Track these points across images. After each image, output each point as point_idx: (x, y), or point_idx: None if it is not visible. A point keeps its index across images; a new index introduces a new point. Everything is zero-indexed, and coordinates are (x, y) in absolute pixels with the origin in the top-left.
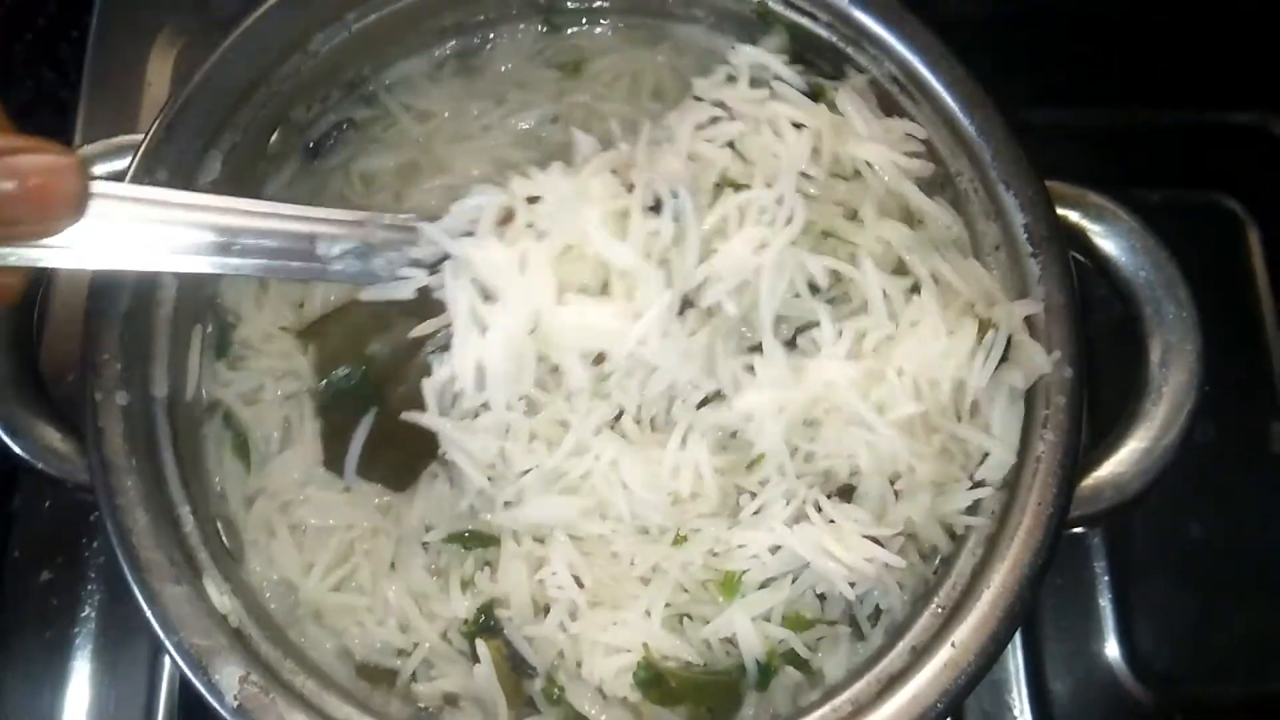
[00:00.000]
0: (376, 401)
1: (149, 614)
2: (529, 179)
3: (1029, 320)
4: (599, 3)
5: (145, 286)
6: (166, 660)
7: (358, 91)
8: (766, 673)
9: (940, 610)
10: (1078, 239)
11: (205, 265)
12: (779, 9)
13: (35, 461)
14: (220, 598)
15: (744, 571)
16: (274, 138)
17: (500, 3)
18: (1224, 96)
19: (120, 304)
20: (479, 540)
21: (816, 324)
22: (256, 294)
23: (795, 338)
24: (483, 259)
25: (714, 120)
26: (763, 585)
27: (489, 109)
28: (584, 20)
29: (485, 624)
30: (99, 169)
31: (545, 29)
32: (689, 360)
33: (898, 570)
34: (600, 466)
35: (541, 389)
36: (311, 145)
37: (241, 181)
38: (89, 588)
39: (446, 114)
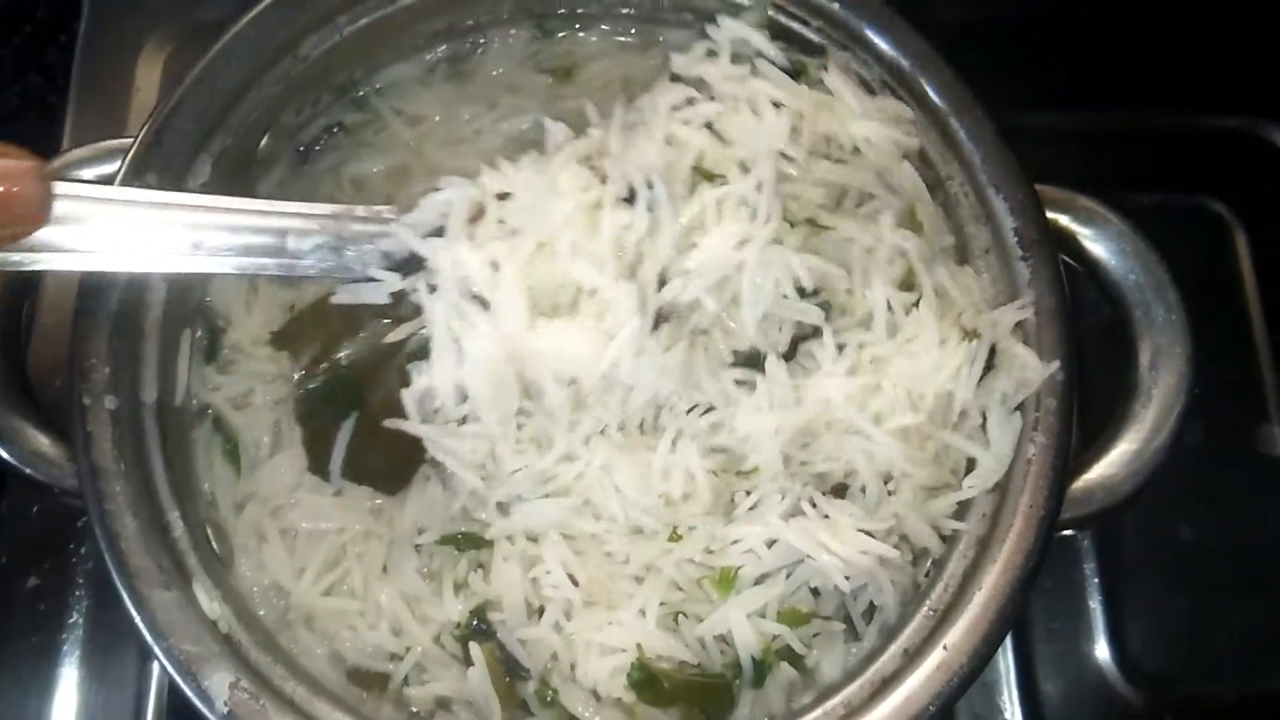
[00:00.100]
0: (356, 405)
1: (138, 620)
2: (499, 172)
3: (1020, 325)
4: (590, 8)
5: (134, 290)
6: (155, 666)
7: (348, 95)
8: (762, 670)
9: (932, 612)
10: (1068, 242)
11: (176, 264)
12: (769, 13)
13: (23, 466)
14: (210, 603)
15: (739, 567)
16: (264, 141)
17: (491, 8)
18: (1212, 101)
19: (109, 308)
20: (472, 542)
21: (813, 335)
22: (246, 297)
23: (794, 351)
24: (453, 263)
25: (690, 101)
26: (757, 581)
27: (481, 113)
28: (575, 25)
29: (478, 627)
30: (88, 173)
31: (537, 34)
32: (667, 375)
33: (891, 564)
34: (591, 470)
35: (526, 397)
36: (302, 149)
37: (232, 185)
38: (77, 593)
39: (437, 118)
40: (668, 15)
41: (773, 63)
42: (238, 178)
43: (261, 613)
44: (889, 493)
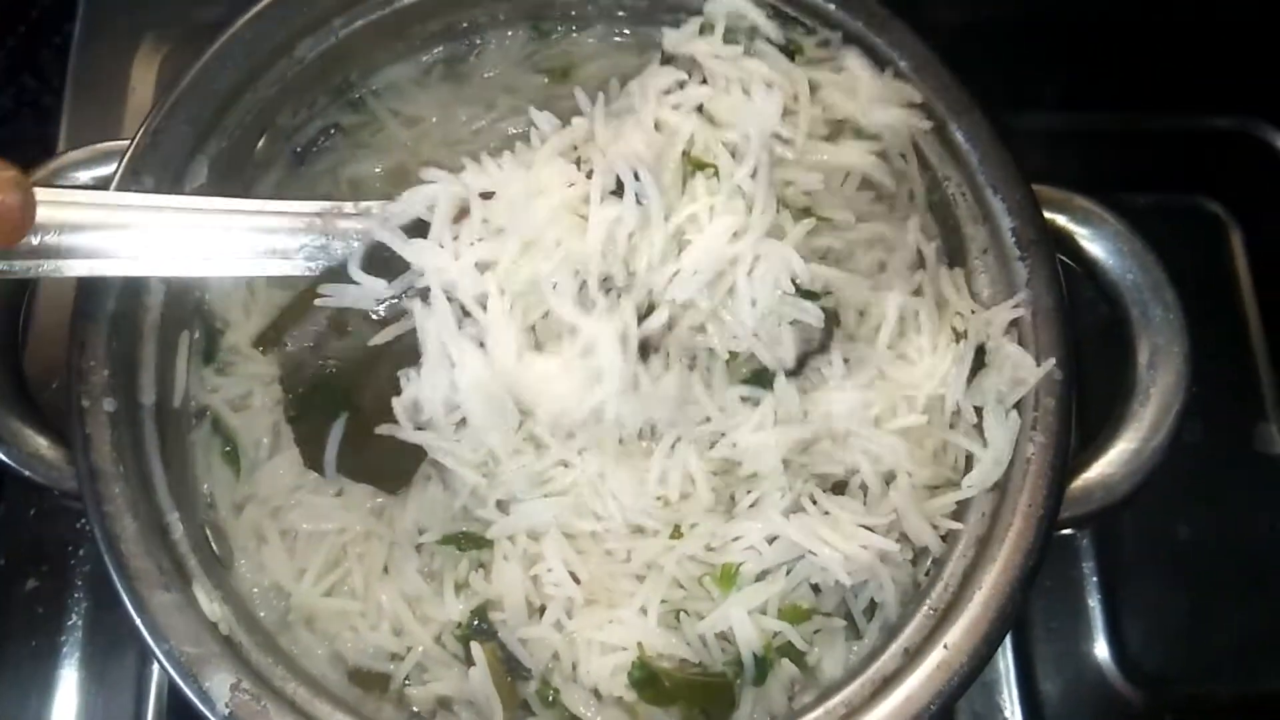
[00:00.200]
0: (346, 406)
1: (138, 622)
2: (482, 169)
3: (1018, 325)
4: (586, 9)
5: (132, 292)
6: (155, 669)
7: (345, 97)
8: (763, 667)
9: (933, 612)
10: (1065, 242)
11: (167, 269)
12: None
13: (22, 469)
14: (210, 605)
15: (740, 564)
16: (261, 143)
17: (488, 9)
18: (1208, 101)
19: (107, 310)
20: (473, 541)
21: (820, 350)
22: (244, 299)
23: (803, 366)
24: (435, 268)
25: (681, 85)
26: (758, 578)
27: (478, 114)
28: (572, 27)
29: (479, 627)
30: (84, 175)
31: (533, 35)
32: (660, 404)
33: (891, 561)
34: (586, 476)
35: (521, 412)
36: (299, 150)
37: (229, 187)
38: (75, 596)
39: (434, 119)
40: (663, 16)
41: (769, 39)
42: (235, 180)
43: (262, 614)
44: (889, 490)
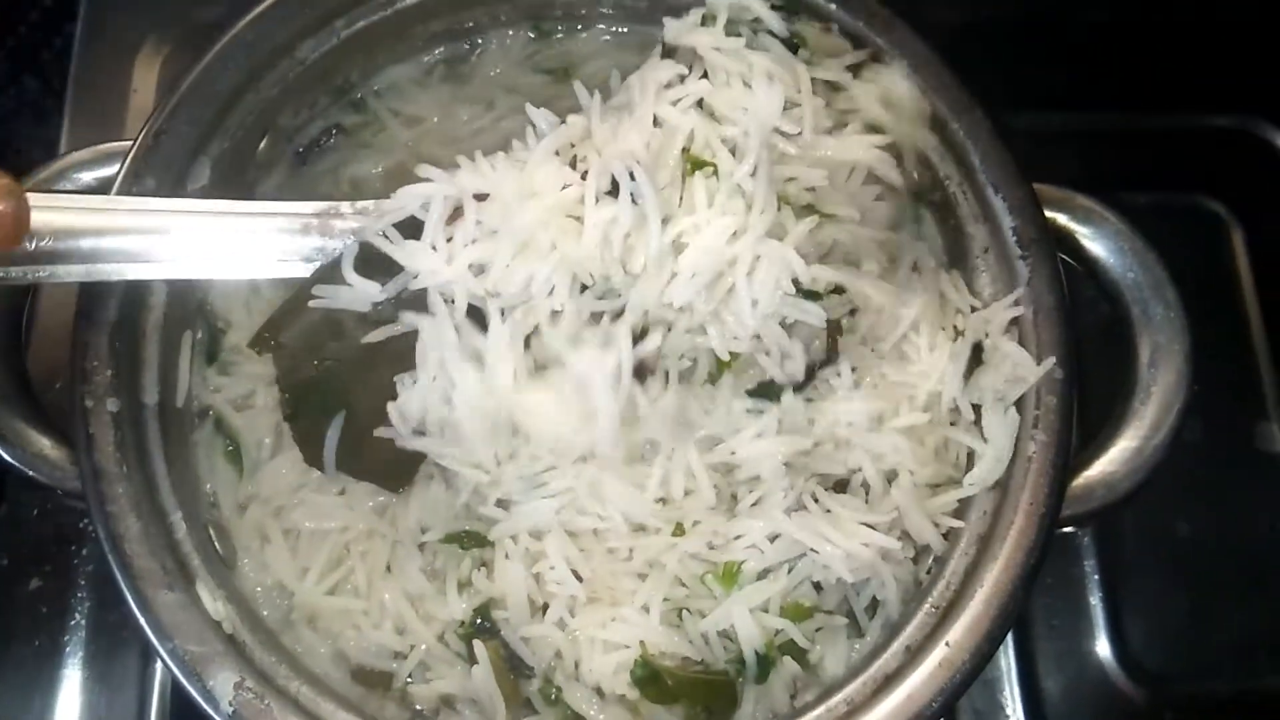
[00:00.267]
0: (344, 405)
1: (142, 621)
2: (476, 169)
3: (1019, 323)
4: (587, 9)
5: (134, 292)
6: (158, 668)
7: (346, 97)
8: (765, 665)
9: (935, 609)
10: (1066, 241)
11: (164, 272)
12: None
13: (25, 469)
14: (214, 604)
15: (742, 562)
16: (263, 144)
17: (489, 10)
18: (1209, 100)
19: (110, 310)
20: (475, 540)
21: (828, 362)
22: (246, 299)
23: (811, 377)
24: (429, 270)
25: (681, 78)
26: (760, 576)
27: (479, 113)
28: (575, 26)
29: (482, 625)
30: (87, 176)
31: (534, 35)
32: (659, 425)
33: (893, 558)
34: (581, 485)
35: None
36: (300, 151)
37: (231, 187)
38: (79, 595)
39: (435, 119)
40: (664, 16)
41: (772, 32)
42: (237, 181)
43: (265, 613)
44: (891, 489)
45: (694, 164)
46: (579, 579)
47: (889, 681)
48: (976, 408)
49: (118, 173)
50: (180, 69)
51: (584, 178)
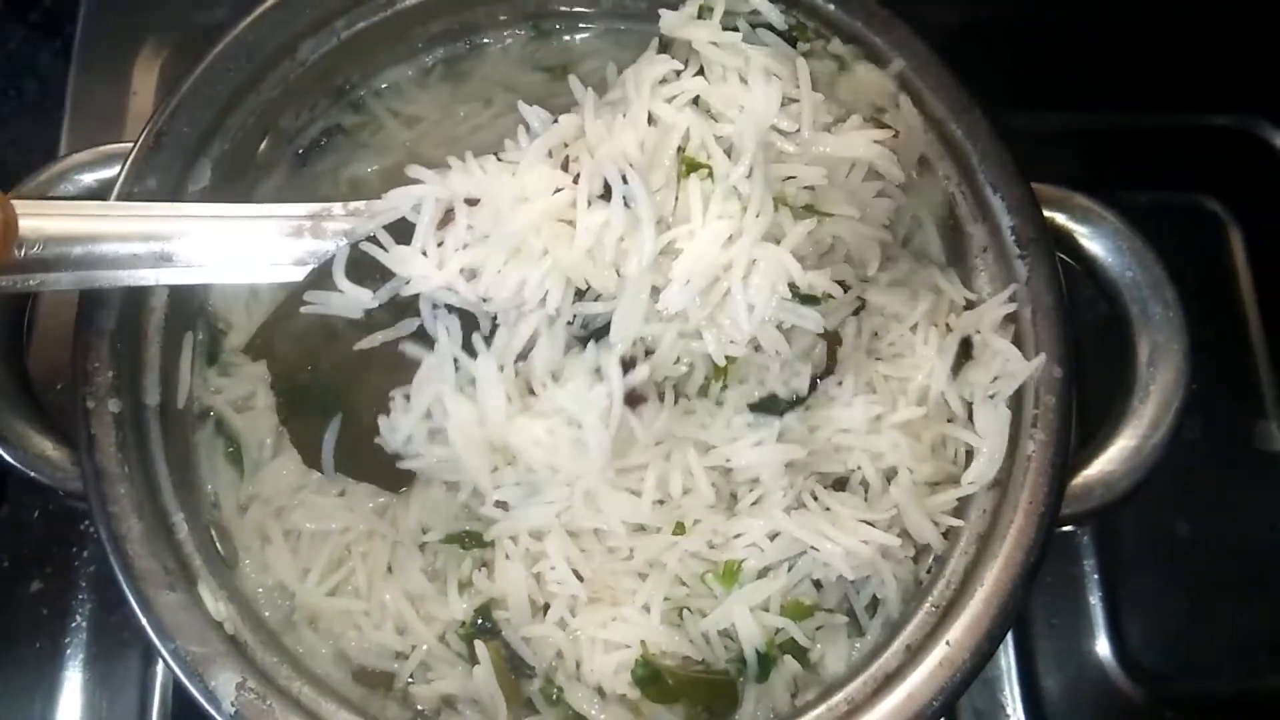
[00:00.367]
0: (340, 407)
1: (144, 621)
2: (467, 171)
3: (1017, 322)
4: (586, 8)
5: (135, 294)
6: (159, 669)
7: (346, 98)
8: (766, 664)
9: (935, 609)
10: (1065, 241)
11: (157, 278)
12: None
13: (27, 470)
14: (215, 604)
15: (742, 561)
16: (263, 145)
17: (489, 10)
18: (1207, 100)
19: (111, 312)
20: (476, 540)
21: (828, 373)
22: (247, 301)
23: (812, 390)
24: (420, 276)
25: (677, 73)
26: (760, 575)
27: (476, 111)
28: (574, 24)
29: (483, 625)
30: (88, 178)
31: (533, 34)
32: (654, 445)
33: (893, 556)
34: (576, 497)
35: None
36: (301, 151)
37: (232, 188)
38: (80, 597)
39: (434, 118)
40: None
41: (770, 26)
42: (238, 182)
43: (267, 613)
44: (890, 487)
45: (689, 166)
46: (580, 579)
47: (890, 680)
48: (969, 405)
49: (118, 174)
50: (180, 71)
51: (577, 180)
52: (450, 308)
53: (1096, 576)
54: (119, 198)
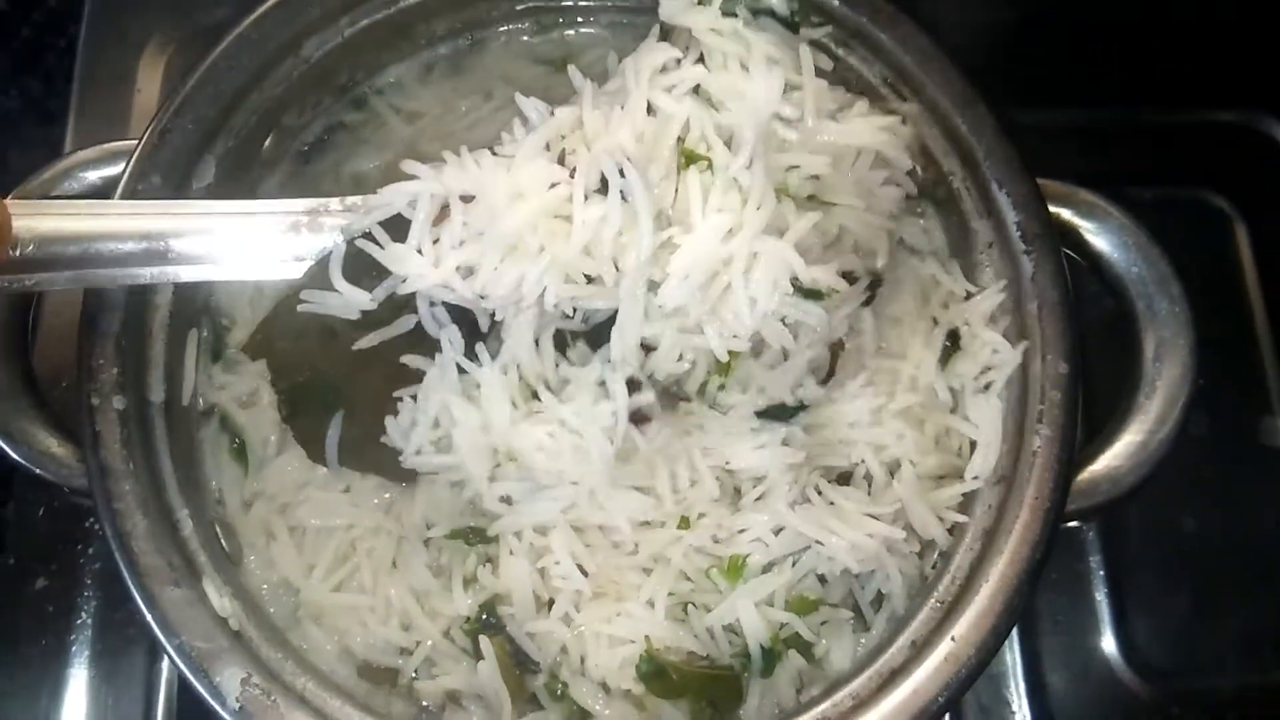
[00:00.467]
0: (341, 402)
1: (149, 617)
2: (462, 166)
3: (1023, 318)
4: (589, 2)
5: (140, 291)
6: (164, 667)
7: (349, 95)
8: (771, 659)
9: (940, 604)
10: (1070, 236)
11: (155, 277)
12: None
13: (33, 467)
14: (220, 600)
15: (747, 555)
16: (267, 142)
17: (491, 6)
18: (1212, 96)
19: (116, 309)
20: (481, 536)
21: (829, 377)
22: (251, 298)
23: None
24: (416, 274)
25: (677, 61)
26: (765, 570)
27: (476, 105)
28: (576, 18)
29: (487, 621)
30: (93, 175)
31: (535, 28)
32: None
33: (898, 551)
34: (581, 495)
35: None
36: (304, 149)
37: (236, 185)
38: (85, 595)
39: (435, 113)
40: None
41: (771, 11)
42: (242, 179)
43: (271, 609)
44: (894, 481)
45: (688, 158)
46: (584, 574)
47: (895, 676)
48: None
49: (123, 172)
50: (184, 69)
51: (573, 174)
52: (448, 304)
53: (1102, 573)
54: (123, 195)
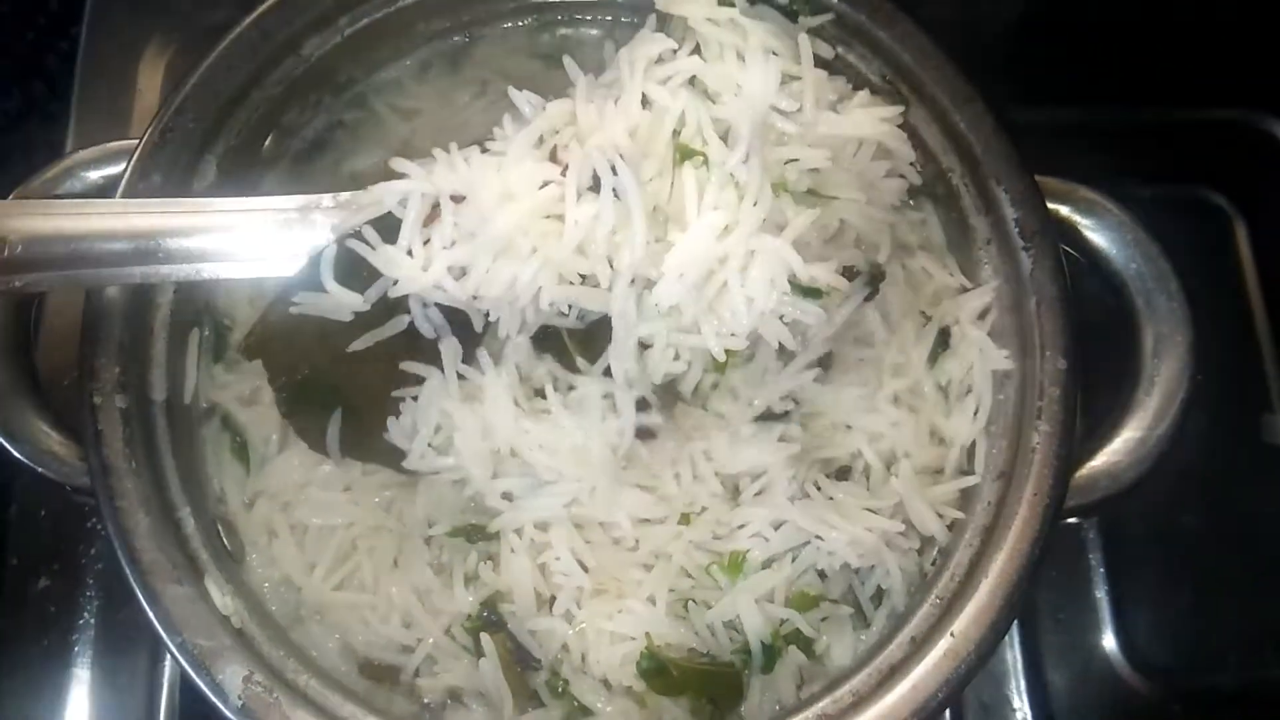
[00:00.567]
0: (341, 400)
1: (151, 615)
2: (451, 164)
3: (1022, 315)
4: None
5: (142, 291)
6: (166, 667)
7: (347, 93)
8: (771, 655)
9: (940, 601)
10: (1069, 233)
11: (146, 276)
12: None
13: (35, 465)
14: (222, 598)
15: (747, 551)
16: (267, 141)
17: (490, 6)
18: (1211, 94)
19: (118, 308)
20: (482, 534)
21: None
22: (251, 297)
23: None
24: (407, 276)
25: (673, 52)
26: (765, 565)
27: (472, 100)
28: (575, 15)
29: (489, 618)
30: (94, 174)
31: (534, 25)
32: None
33: (897, 546)
34: (583, 492)
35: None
36: (304, 148)
37: (236, 184)
38: (87, 594)
39: (432, 109)
40: None
41: (769, 1)
42: (242, 178)
43: (273, 607)
44: (892, 475)
45: (683, 153)
46: (585, 570)
47: (895, 672)
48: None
49: (123, 171)
50: (185, 69)
51: (565, 171)
52: (441, 304)
53: (1102, 570)
54: (124, 194)
